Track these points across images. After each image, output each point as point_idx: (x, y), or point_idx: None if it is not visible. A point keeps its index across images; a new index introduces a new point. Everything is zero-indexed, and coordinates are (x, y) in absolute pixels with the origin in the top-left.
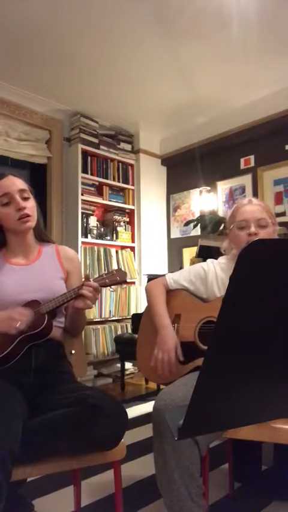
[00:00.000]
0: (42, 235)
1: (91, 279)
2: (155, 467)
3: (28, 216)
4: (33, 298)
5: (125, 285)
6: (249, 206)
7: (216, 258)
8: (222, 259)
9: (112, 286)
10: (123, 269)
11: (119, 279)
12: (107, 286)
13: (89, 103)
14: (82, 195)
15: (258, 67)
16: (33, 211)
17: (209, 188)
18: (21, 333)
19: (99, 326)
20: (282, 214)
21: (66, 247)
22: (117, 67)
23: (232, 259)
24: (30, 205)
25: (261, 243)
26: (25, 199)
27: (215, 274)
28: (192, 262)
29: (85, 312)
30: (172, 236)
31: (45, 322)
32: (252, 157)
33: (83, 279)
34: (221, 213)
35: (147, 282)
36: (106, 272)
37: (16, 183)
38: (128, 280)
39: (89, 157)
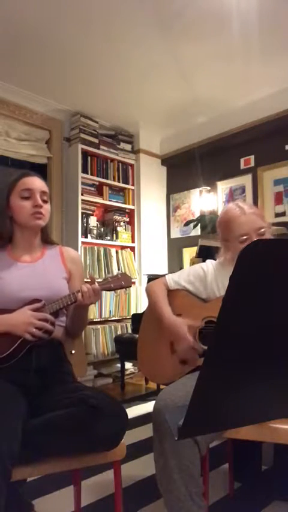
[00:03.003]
0: (47, 239)
1: (96, 283)
2: (155, 467)
3: (42, 214)
4: (34, 296)
5: (128, 290)
6: (245, 217)
7: (215, 259)
8: (221, 261)
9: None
10: (123, 269)
11: (124, 283)
12: (112, 290)
13: (89, 103)
14: (82, 195)
15: (258, 67)
16: (47, 214)
17: (209, 188)
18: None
19: (99, 326)
20: (282, 214)
21: (70, 249)
22: (117, 67)
23: (231, 261)
24: (47, 208)
25: (261, 243)
26: (44, 201)
27: (214, 274)
28: (192, 262)
29: (87, 315)
30: (172, 236)
31: (49, 323)
32: (252, 157)
33: (89, 280)
34: None
35: (147, 282)
36: (111, 276)
37: (40, 184)
38: None
39: (89, 157)
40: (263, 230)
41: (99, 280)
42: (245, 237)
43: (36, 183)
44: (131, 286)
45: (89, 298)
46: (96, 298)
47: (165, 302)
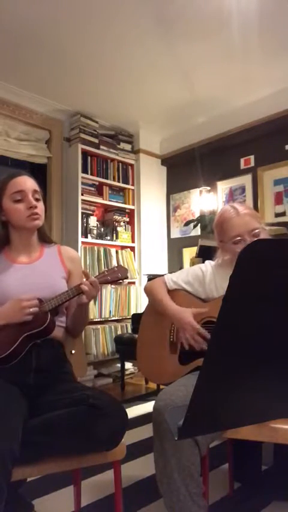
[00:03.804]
0: (45, 237)
1: (93, 277)
2: (155, 467)
3: (38, 214)
4: (34, 296)
5: (126, 281)
6: (238, 218)
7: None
8: (219, 261)
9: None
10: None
11: (120, 275)
12: (109, 283)
13: (89, 103)
14: (82, 195)
15: (258, 67)
16: (42, 213)
17: (209, 188)
18: (26, 331)
19: (99, 326)
20: (282, 214)
21: (68, 248)
22: (117, 67)
23: (229, 262)
24: (40, 207)
25: (261, 243)
26: (37, 200)
27: (213, 275)
28: (192, 263)
29: (87, 311)
30: (172, 236)
31: (48, 319)
32: (252, 157)
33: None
34: None
35: (147, 282)
36: (107, 269)
37: (31, 183)
38: (128, 280)
39: (89, 157)
40: (257, 231)
41: (96, 274)
42: (238, 238)
43: (27, 183)
44: (127, 278)
45: (91, 293)
46: (96, 292)
47: (167, 296)
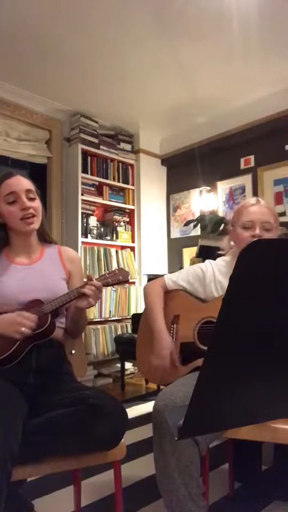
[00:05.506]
0: (45, 236)
1: (93, 279)
2: (155, 467)
3: (33, 216)
4: (35, 298)
5: (126, 284)
6: (257, 207)
7: (215, 259)
8: (220, 261)
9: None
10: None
11: (121, 278)
12: (110, 285)
13: (89, 103)
14: (82, 195)
15: (258, 67)
16: (38, 211)
17: (209, 188)
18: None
19: (99, 326)
20: (282, 214)
21: (68, 248)
22: (117, 67)
23: (231, 260)
24: (36, 206)
25: (261, 243)
26: (31, 199)
27: (213, 275)
28: (192, 262)
29: (86, 313)
30: (172, 236)
31: (49, 321)
32: (252, 157)
33: (85, 280)
34: (221, 213)
35: (147, 282)
36: (108, 271)
37: (23, 183)
38: None
39: (89, 157)
40: (268, 225)
41: (96, 277)
42: (249, 223)
43: (19, 183)
44: (128, 281)
45: (95, 298)
46: (99, 296)
47: (160, 310)
